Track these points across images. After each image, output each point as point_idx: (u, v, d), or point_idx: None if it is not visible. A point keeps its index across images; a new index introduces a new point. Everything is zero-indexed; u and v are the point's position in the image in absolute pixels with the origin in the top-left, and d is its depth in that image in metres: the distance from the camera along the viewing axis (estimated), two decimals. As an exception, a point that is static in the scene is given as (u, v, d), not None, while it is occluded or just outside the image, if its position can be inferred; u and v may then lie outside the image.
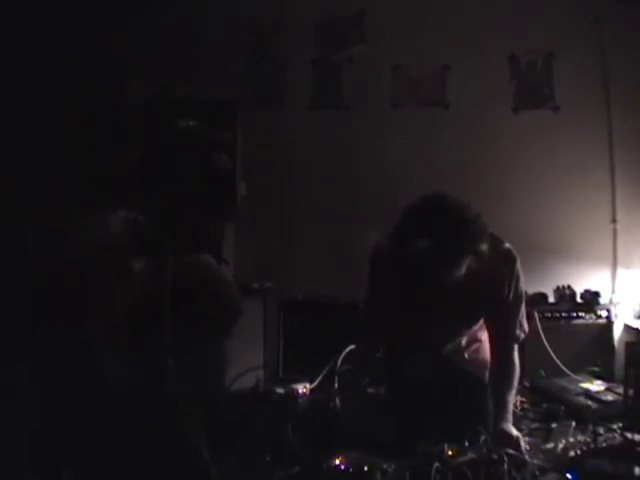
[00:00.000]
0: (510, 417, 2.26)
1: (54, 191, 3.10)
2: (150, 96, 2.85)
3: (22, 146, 3.54)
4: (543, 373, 3.14)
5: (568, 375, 3.10)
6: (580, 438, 2.29)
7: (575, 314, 3.41)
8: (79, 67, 3.70)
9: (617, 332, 3.41)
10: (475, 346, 2.47)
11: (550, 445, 2.21)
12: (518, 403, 2.72)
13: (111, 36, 3.79)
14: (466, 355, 2.45)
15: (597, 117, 3.79)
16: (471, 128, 3.86)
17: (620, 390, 2.74)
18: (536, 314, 3.24)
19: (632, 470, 1.89)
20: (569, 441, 2.25)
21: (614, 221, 3.76)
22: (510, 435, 2.15)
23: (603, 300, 3.49)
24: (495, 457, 1.94)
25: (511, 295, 2.27)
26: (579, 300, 3.50)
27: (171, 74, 3.14)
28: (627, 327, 3.39)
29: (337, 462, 1.97)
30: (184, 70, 3.74)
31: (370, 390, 2.70)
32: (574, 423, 2.45)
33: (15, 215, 3.25)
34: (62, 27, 3.74)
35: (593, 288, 3.53)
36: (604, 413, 2.60)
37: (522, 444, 2.09)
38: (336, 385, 2.75)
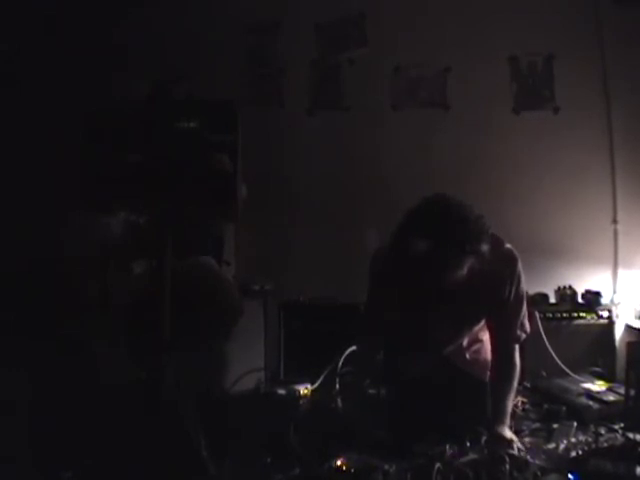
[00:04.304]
0: (507, 419, 2.26)
1: (54, 192, 3.09)
2: (147, 94, 2.85)
3: (20, 146, 3.53)
4: (544, 373, 3.14)
5: (569, 375, 3.10)
6: (581, 438, 2.30)
7: (576, 314, 3.40)
8: (77, 66, 3.70)
9: (618, 332, 3.41)
10: (476, 346, 2.47)
11: (552, 445, 2.21)
12: (519, 403, 2.72)
13: (108, 33, 3.78)
14: (467, 355, 2.45)
15: (597, 118, 3.79)
16: (471, 129, 3.86)
17: (621, 390, 2.74)
18: (537, 314, 3.23)
19: (633, 470, 1.89)
20: (570, 441, 2.25)
21: (615, 221, 3.76)
22: (504, 438, 2.14)
23: (604, 300, 3.48)
24: (497, 457, 1.94)
25: (512, 296, 2.27)
26: (580, 300, 3.49)
27: (170, 74, 3.13)
28: (628, 327, 3.38)
29: (338, 463, 1.97)
30: (183, 70, 3.74)
31: (371, 391, 2.70)
32: (575, 423, 2.45)
33: (14, 215, 3.24)
34: (61, 25, 3.74)
35: (594, 288, 3.53)
36: (605, 413, 2.60)
37: (515, 447, 2.10)
38: (337, 386, 2.75)
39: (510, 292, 2.27)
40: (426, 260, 2.01)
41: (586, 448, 2.16)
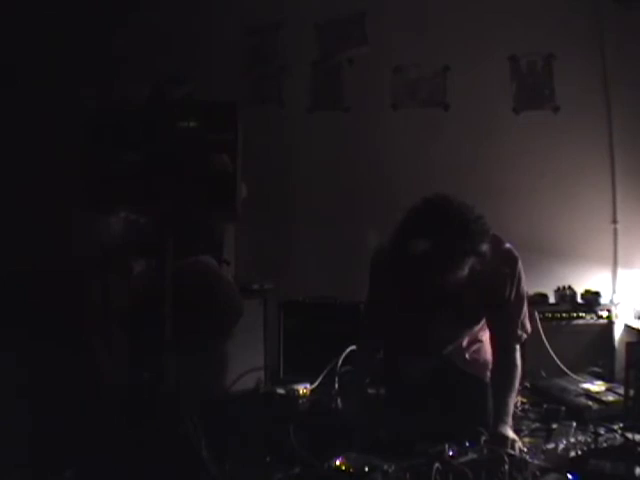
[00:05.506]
0: (509, 419, 2.26)
1: (54, 192, 3.09)
2: (147, 95, 2.85)
3: (21, 146, 3.54)
4: (544, 373, 3.14)
5: (569, 375, 3.10)
6: (581, 438, 2.30)
7: (576, 314, 3.40)
8: (77, 66, 3.70)
9: (618, 332, 3.40)
10: (476, 346, 2.47)
11: (551, 445, 2.21)
12: (519, 403, 2.72)
13: (109, 35, 3.78)
14: (467, 356, 2.46)
15: (597, 117, 3.78)
16: (471, 129, 3.86)
17: (621, 390, 2.74)
18: (537, 314, 3.23)
19: (633, 470, 1.89)
20: (570, 441, 2.25)
21: (614, 221, 3.76)
22: (506, 437, 2.14)
23: (604, 300, 3.48)
24: (496, 457, 1.94)
25: (512, 295, 2.27)
26: (580, 300, 3.49)
27: (170, 74, 3.13)
28: (628, 327, 3.38)
29: (338, 463, 1.97)
30: (183, 70, 3.74)
31: (371, 391, 2.70)
32: (575, 423, 2.46)
33: (14, 215, 3.25)
34: (61, 25, 3.74)
35: (594, 288, 3.52)
36: (605, 413, 2.60)
37: (517, 447, 2.10)
38: (336, 386, 2.75)
39: (510, 292, 2.27)
40: (426, 260, 2.01)
41: (585, 448, 2.16)
